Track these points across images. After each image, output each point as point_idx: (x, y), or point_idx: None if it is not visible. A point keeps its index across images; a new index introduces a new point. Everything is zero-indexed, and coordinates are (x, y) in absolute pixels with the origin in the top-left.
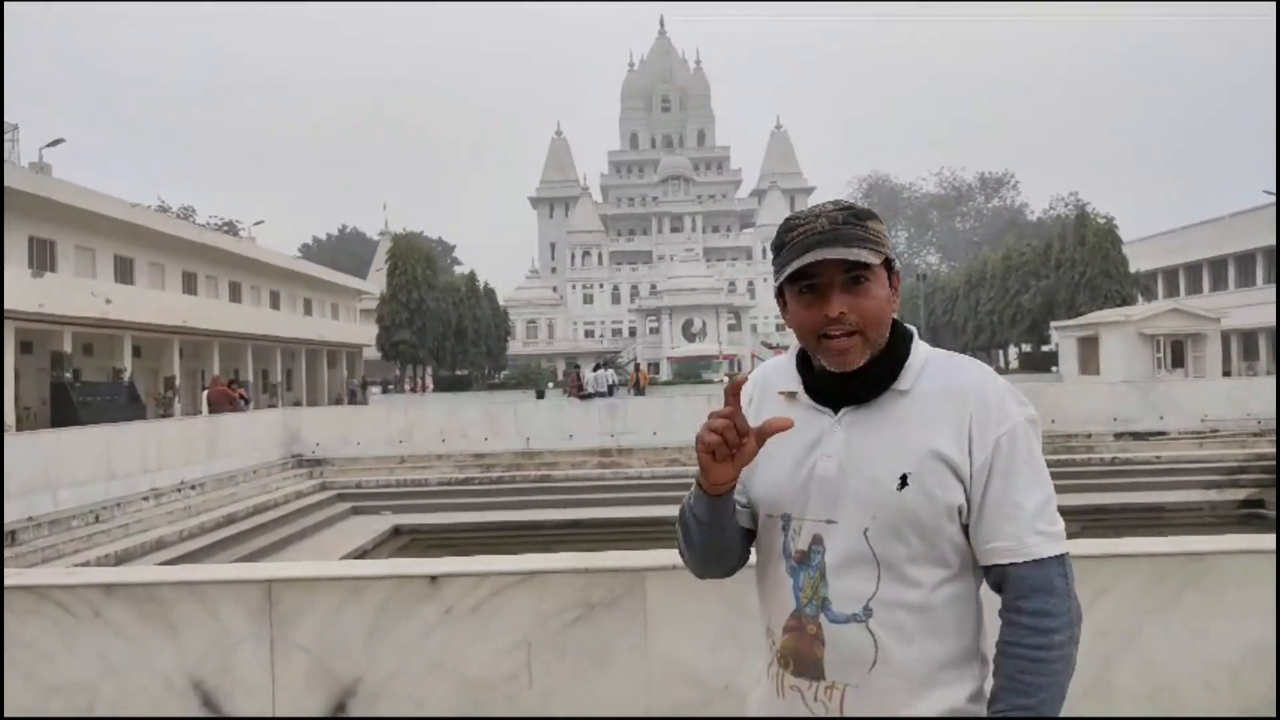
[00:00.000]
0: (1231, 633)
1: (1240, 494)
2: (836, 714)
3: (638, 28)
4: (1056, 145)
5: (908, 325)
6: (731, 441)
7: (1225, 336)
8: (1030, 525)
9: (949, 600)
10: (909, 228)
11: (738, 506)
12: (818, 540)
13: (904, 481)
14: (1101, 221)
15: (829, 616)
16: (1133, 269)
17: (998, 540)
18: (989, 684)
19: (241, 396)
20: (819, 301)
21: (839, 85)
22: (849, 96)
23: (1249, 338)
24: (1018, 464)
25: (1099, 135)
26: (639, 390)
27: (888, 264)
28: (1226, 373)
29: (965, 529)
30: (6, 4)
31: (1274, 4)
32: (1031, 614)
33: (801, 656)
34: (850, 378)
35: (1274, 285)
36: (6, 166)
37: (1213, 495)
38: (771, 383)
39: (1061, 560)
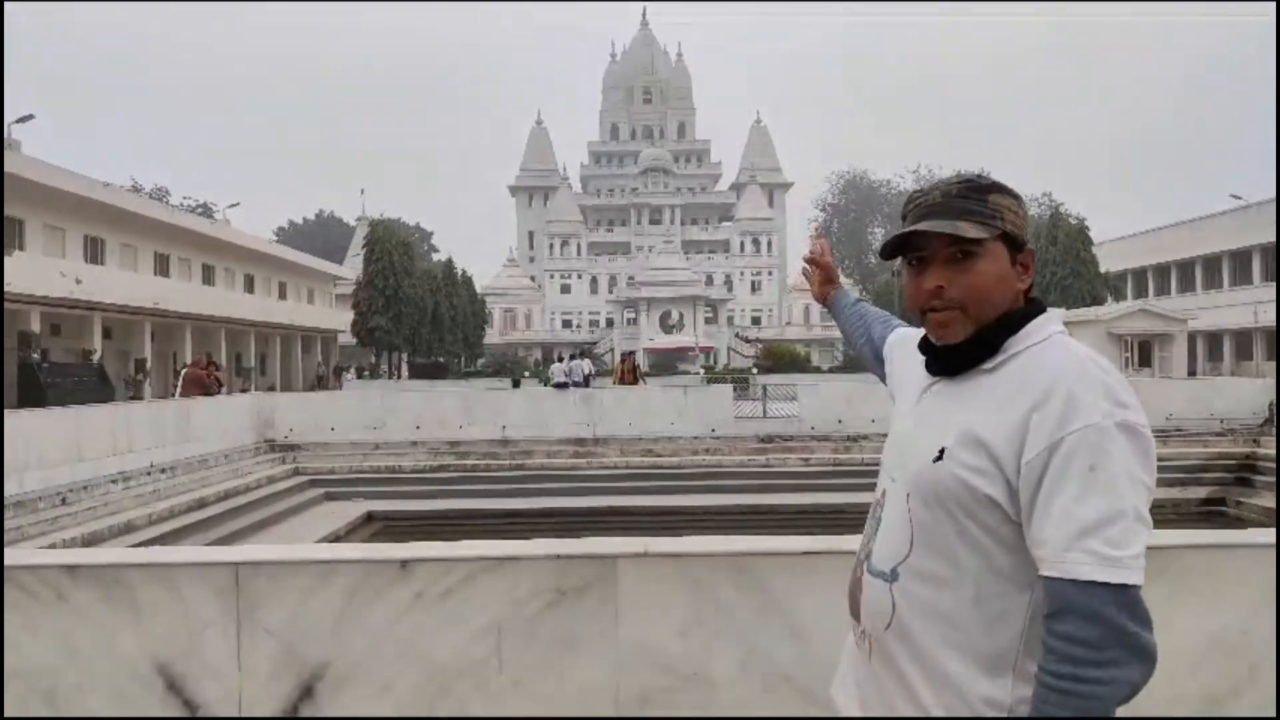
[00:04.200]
0: (1193, 625)
1: (1202, 492)
2: (866, 659)
3: (620, 19)
4: (1031, 145)
5: (1047, 308)
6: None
7: (1191, 338)
8: (1077, 539)
9: (984, 595)
10: (885, 224)
11: (861, 343)
12: (884, 494)
13: (940, 455)
14: (1073, 222)
15: (869, 568)
16: (1103, 270)
17: (1037, 547)
18: (1024, 709)
19: (216, 380)
20: (924, 274)
21: (819, 82)
22: (829, 93)
23: (1214, 339)
24: (1076, 467)
25: (1073, 136)
26: (633, 381)
27: (1010, 240)
28: (1192, 373)
29: (1020, 528)
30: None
31: (1274, 4)
32: (1061, 637)
33: (852, 596)
34: (945, 351)
35: (1240, 289)
36: None
37: (1175, 493)
38: (918, 335)
39: (1120, 591)
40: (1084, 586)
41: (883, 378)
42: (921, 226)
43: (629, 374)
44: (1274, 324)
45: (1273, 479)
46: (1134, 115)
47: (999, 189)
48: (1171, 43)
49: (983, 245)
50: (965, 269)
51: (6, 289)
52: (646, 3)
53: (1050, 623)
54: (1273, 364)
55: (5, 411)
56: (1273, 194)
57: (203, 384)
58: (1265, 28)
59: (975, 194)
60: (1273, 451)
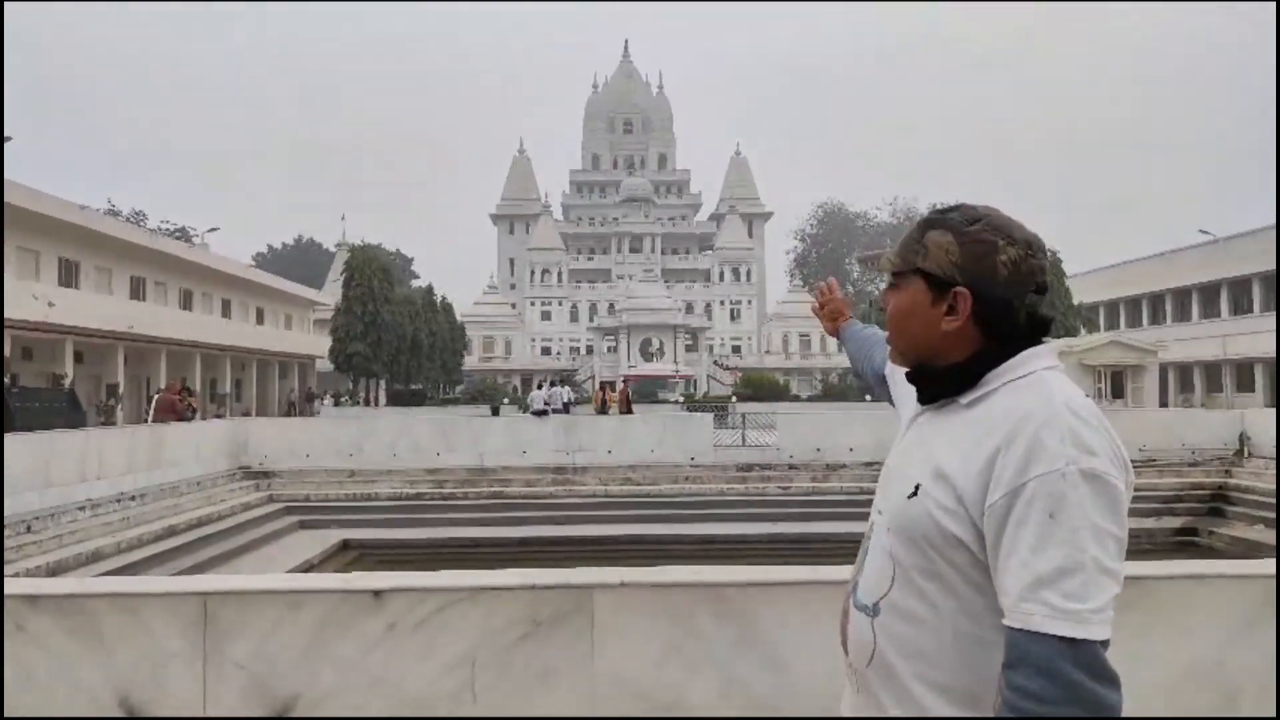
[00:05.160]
0: (1169, 656)
1: (1176, 522)
2: (855, 691)
3: (602, 49)
4: (1005, 180)
5: (1040, 344)
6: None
7: (1163, 369)
8: (1033, 590)
9: (961, 635)
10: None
11: (863, 371)
12: (872, 526)
13: (915, 491)
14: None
15: (855, 600)
16: (1076, 301)
17: (1000, 595)
18: None
19: (189, 405)
20: None
21: (799, 113)
22: (808, 124)
23: (1184, 371)
24: (1036, 515)
25: (1044, 173)
26: (627, 409)
27: (930, 277)
28: (1164, 404)
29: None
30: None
31: (1274, 13)
32: (1013, 688)
33: (842, 628)
34: (919, 378)
35: (1209, 321)
36: None
37: (1150, 523)
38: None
39: (1073, 645)
40: (1038, 638)
41: (891, 401)
42: (865, 255)
43: (623, 402)
44: (1255, 355)
45: (1245, 510)
46: (1108, 152)
47: (941, 225)
48: (1144, 83)
49: (902, 277)
50: (891, 298)
51: None
52: (629, 31)
53: (1006, 672)
54: (1245, 395)
55: None
56: (1246, 227)
57: (175, 409)
58: (1258, 60)
59: (921, 227)
60: (1244, 482)
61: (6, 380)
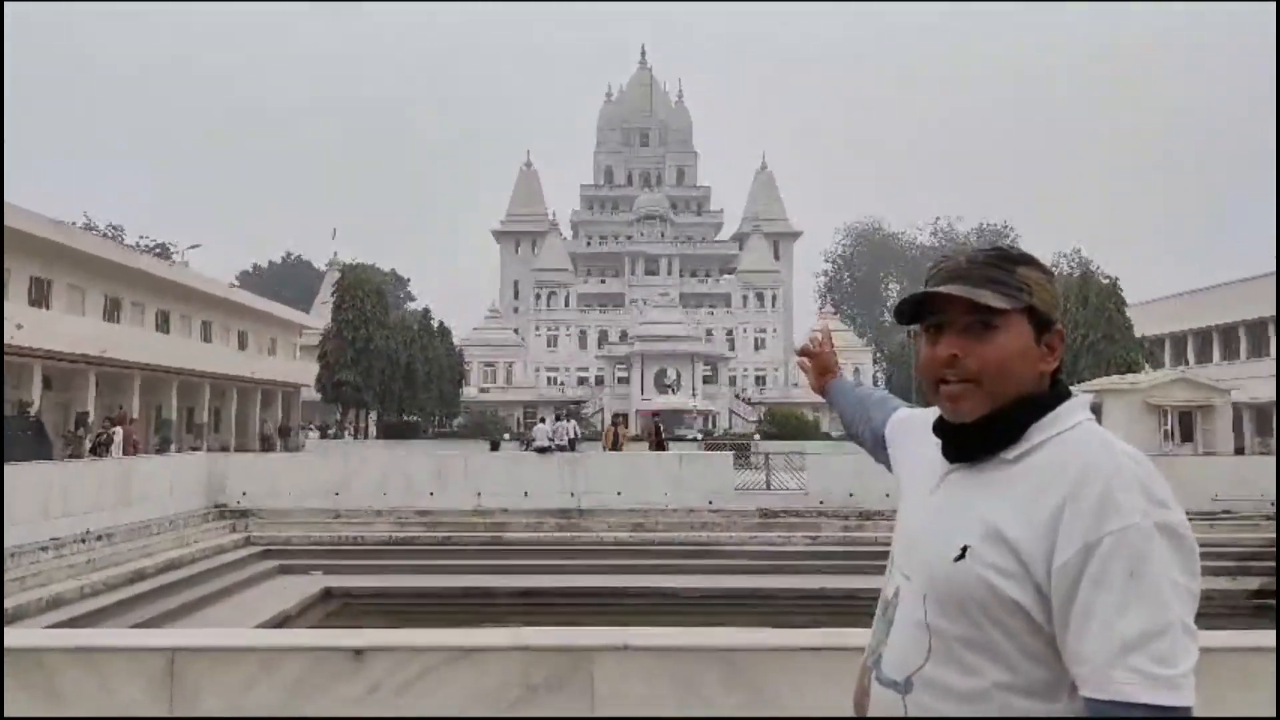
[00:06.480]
0: None
1: (1253, 583)
2: None
3: (616, 57)
4: (1059, 197)
5: (1073, 393)
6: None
7: (1237, 410)
8: (1121, 656)
9: (1006, 710)
10: (901, 279)
11: (859, 430)
12: (897, 593)
13: (963, 554)
14: (1105, 281)
15: (877, 675)
16: (1139, 334)
17: (1077, 663)
18: None
19: (129, 438)
20: (940, 342)
21: (830, 126)
22: (840, 138)
23: (1262, 412)
24: (1114, 573)
25: (1104, 189)
26: (659, 445)
27: (1036, 316)
28: (1239, 449)
29: (1050, 639)
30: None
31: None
32: None
33: (858, 704)
34: (959, 433)
35: None
36: None
37: (1223, 583)
38: (927, 416)
39: (1167, 715)
40: (1129, 709)
41: (888, 465)
42: (942, 289)
43: (653, 438)
44: None
45: None
46: (1175, 167)
47: (1030, 262)
48: (1216, 95)
49: (1005, 317)
50: (984, 340)
51: None
52: (646, 35)
53: None
54: None
55: None
56: None
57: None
58: None
59: (1004, 264)
60: None
61: None
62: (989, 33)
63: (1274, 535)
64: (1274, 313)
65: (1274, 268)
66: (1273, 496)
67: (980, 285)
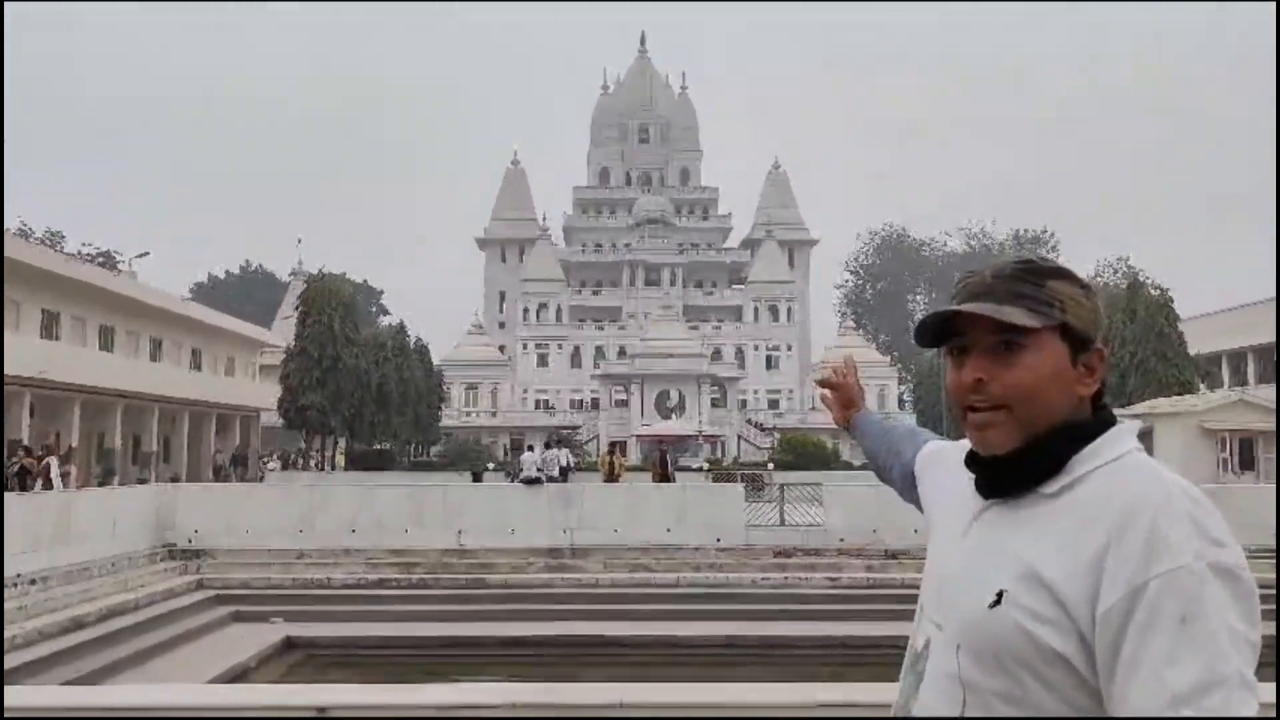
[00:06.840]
0: None
1: None
2: None
3: (614, 43)
4: (1104, 199)
5: (1118, 419)
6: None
7: None
8: (1171, 710)
9: None
10: (930, 290)
11: (887, 467)
12: (928, 644)
13: (998, 599)
14: (1155, 293)
15: None
16: (1193, 351)
17: (1124, 716)
18: None
19: (43, 473)
20: (964, 365)
21: (848, 123)
22: (862, 136)
23: None
24: (1165, 619)
25: (1153, 192)
26: (663, 477)
27: (1071, 334)
28: None
29: (1096, 693)
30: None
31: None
32: None
33: None
34: (992, 466)
35: None
36: None
37: None
38: (959, 449)
39: None
40: None
41: (919, 505)
42: (963, 308)
43: (658, 469)
44: None
45: None
46: (1229, 169)
47: (1062, 274)
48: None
49: (1033, 336)
50: (1009, 362)
51: None
52: (643, 2)
53: None
54: None
55: None
56: None
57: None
58: None
59: (1031, 277)
60: None
61: None
62: (1023, 25)
63: None
64: None
65: None
66: None
67: (1006, 301)
